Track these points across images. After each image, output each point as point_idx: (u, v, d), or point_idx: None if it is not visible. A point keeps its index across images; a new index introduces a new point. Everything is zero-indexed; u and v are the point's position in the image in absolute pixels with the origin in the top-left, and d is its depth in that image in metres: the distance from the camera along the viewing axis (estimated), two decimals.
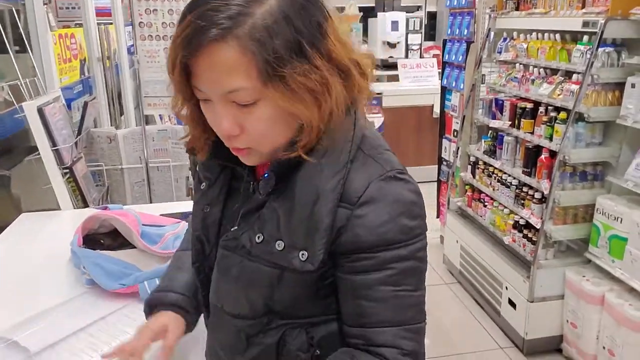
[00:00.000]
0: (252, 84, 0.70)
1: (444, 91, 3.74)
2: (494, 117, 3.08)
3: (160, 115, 2.88)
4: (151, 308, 1.03)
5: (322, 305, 0.85)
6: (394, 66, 6.04)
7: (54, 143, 1.89)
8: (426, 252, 0.83)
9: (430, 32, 7.91)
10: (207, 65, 0.70)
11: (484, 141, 3.19)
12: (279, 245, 0.79)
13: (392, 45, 6.82)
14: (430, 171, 4.41)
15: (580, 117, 2.44)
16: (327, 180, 0.76)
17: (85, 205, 2.07)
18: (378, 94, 4.90)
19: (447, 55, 3.62)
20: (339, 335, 0.85)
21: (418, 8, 7.89)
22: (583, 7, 2.51)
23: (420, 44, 7.01)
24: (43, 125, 1.86)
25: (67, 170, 2.02)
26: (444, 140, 3.85)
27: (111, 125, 2.67)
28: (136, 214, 1.43)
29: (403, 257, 0.78)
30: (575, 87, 2.43)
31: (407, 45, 6.93)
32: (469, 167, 3.35)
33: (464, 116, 3.35)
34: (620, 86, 2.36)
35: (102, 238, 1.45)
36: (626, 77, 2.32)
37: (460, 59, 3.43)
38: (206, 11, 0.68)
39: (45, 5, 2.50)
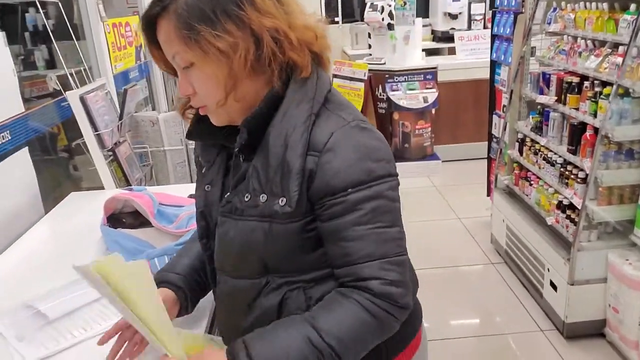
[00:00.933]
0: (182, 48, 0.87)
1: (494, 65, 3.60)
2: (541, 92, 2.95)
3: None
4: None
5: (311, 259, 0.94)
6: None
7: (95, 128, 2.06)
8: (397, 192, 0.93)
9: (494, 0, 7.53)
10: (160, 35, 0.90)
11: (532, 117, 3.07)
12: (263, 197, 0.90)
13: (453, 17, 6.57)
14: (484, 148, 4.29)
15: (626, 92, 2.30)
16: (293, 131, 0.88)
17: (128, 184, 2.24)
18: (432, 68, 4.79)
19: (495, 28, 3.48)
20: None
21: None
22: None
23: (484, 14, 6.71)
24: (85, 112, 2.03)
25: (111, 153, 2.19)
26: (494, 116, 3.73)
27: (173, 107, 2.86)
28: (152, 195, 1.56)
29: (370, 197, 0.88)
30: (620, 60, 2.28)
31: (469, 15, 6.66)
32: (517, 144, 3.24)
33: (512, 91, 3.23)
34: None
35: (124, 217, 1.59)
36: None
37: (508, 31, 3.29)
38: None
39: None
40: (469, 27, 6.58)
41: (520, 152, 3.19)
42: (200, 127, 1.00)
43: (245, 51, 0.86)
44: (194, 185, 2.28)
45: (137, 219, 1.59)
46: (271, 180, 0.89)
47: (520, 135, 3.21)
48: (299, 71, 0.91)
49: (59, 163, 2.66)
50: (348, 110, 0.94)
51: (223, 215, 0.97)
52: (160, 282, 1.12)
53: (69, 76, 2.14)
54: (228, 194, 0.98)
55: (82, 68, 2.29)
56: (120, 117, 2.24)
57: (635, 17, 2.22)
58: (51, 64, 2.87)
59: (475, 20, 6.71)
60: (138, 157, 2.46)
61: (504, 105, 3.50)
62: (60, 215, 1.95)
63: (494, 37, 3.55)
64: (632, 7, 2.29)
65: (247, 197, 0.92)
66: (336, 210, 0.88)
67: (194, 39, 0.85)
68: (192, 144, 2.50)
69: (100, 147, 2.08)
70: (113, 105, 2.29)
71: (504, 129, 3.37)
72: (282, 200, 0.89)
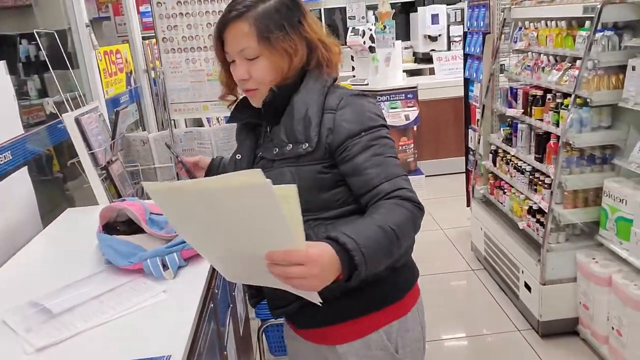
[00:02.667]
0: (254, 45, 1.19)
1: (467, 82, 3.80)
2: (510, 106, 3.14)
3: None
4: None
5: (328, 197, 1.21)
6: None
7: (90, 147, 2.20)
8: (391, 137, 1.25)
9: None
10: (231, 34, 1.21)
11: (502, 130, 3.25)
12: (289, 147, 1.20)
13: (432, 39, 6.83)
14: (462, 162, 4.46)
15: (585, 102, 2.48)
16: (312, 98, 1.21)
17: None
18: (412, 87, 4.99)
19: (467, 47, 3.69)
20: None
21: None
22: None
23: (463, 36, 6.98)
24: (80, 133, 2.17)
25: (104, 171, 2.32)
26: (469, 130, 3.91)
27: (162, 129, 3.00)
28: (145, 204, 1.69)
29: (379, 136, 1.19)
30: (577, 72, 2.47)
31: (449, 37, 6.92)
32: (491, 155, 3.42)
33: (484, 106, 3.42)
34: (623, 69, 2.38)
35: (119, 225, 1.72)
36: (628, 60, 2.34)
37: (478, 50, 3.50)
38: (233, 3, 1.22)
39: (88, 27, 2.84)
40: (449, 48, 6.83)
41: (494, 162, 3.36)
42: (238, 113, 1.36)
43: (302, 53, 1.23)
44: None
45: (130, 227, 1.71)
46: (295, 131, 1.19)
47: (493, 147, 3.39)
48: (317, 64, 1.25)
49: (55, 183, 2.78)
50: (347, 88, 1.29)
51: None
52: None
53: (65, 101, 2.28)
54: (260, 152, 1.27)
55: (76, 93, 2.44)
56: (113, 137, 2.37)
57: (589, 33, 2.42)
58: (43, 92, 3.02)
59: (455, 41, 6.97)
60: (130, 175, 2.59)
61: (478, 120, 3.69)
62: (58, 229, 2.07)
63: (466, 56, 3.75)
64: (587, 23, 2.49)
65: (275, 150, 1.22)
66: (356, 150, 1.16)
67: (267, 39, 1.18)
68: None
69: (94, 165, 2.21)
70: (106, 127, 2.43)
71: (479, 141, 3.55)
72: (304, 145, 1.17)
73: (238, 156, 1.34)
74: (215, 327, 1.61)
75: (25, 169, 2.08)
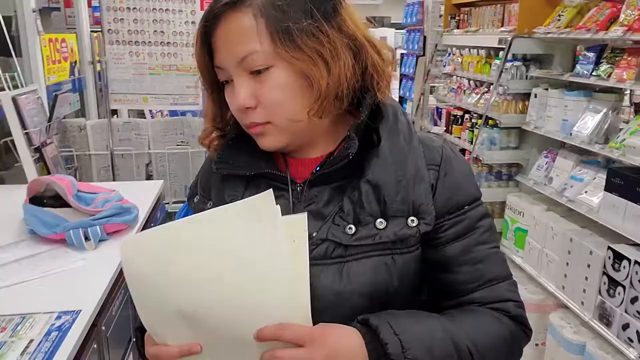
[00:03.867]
0: (264, 47, 0.71)
1: (402, 101, 4.06)
2: (435, 124, 3.40)
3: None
4: None
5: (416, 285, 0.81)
6: None
7: (25, 127, 2.26)
8: None
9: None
10: (224, 34, 0.73)
11: None
12: (381, 223, 0.74)
13: None
14: None
15: (496, 124, 2.76)
16: (408, 140, 0.78)
17: None
18: None
19: (403, 68, 3.96)
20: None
21: None
22: (502, 25, 2.84)
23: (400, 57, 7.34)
24: (16, 112, 2.23)
25: (38, 153, 2.38)
26: None
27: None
28: (73, 180, 1.78)
29: (485, 214, 0.81)
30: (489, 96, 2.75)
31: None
32: None
33: (413, 122, 3.67)
34: (528, 96, 2.67)
35: (46, 199, 1.80)
36: (532, 88, 2.63)
37: (411, 72, 3.77)
38: None
39: (34, 12, 2.89)
40: (394, 70, 7.17)
41: None
42: (231, 155, 0.83)
43: (346, 60, 0.72)
44: (115, 183, 2.48)
45: (57, 201, 1.79)
46: (392, 198, 0.74)
47: None
48: (372, 81, 0.78)
49: None
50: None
51: (314, 265, 0.73)
52: None
53: (3, 81, 2.33)
54: (315, 233, 0.76)
55: (15, 75, 2.48)
56: (50, 120, 2.44)
57: (501, 62, 2.70)
58: None
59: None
60: (64, 160, 2.64)
61: None
62: None
63: (402, 76, 4.02)
64: (501, 53, 2.77)
65: (350, 229, 0.74)
66: (460, 229, 0.78)
67: (287, 35, 0.71)
68: (118, 150, 2.72)
69: (27, 144, 2.27)
70: (43, 110, 2.49)
71: None
72: (411, 221, 0.74)
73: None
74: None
75: None
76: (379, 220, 0.74)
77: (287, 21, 0.70)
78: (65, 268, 1.49)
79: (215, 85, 0.81)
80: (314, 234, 0.75)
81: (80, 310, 1.26)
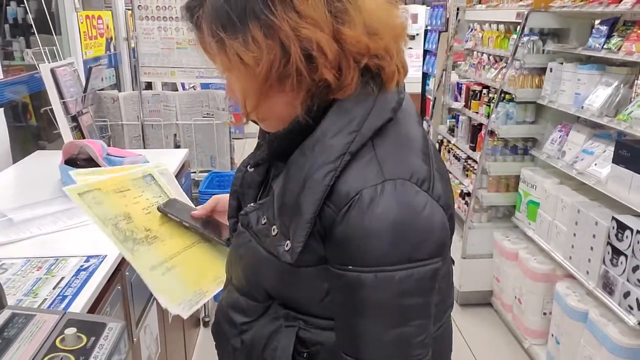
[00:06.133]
0: (213, 52, 0.74)
1: (425, 76, 4.10)
2: (455, 100, 3.44)
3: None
4: None
5: (322, 305, 0.79)
6: None
7: (62, 96, 2.44)
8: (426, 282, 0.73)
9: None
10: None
11: (448, 121, 3.56)
12: (274, 230, 0.76)
13: (411, 37, 7.14)
14: None
15: (512, 98, 2.79)
16: (317, 168, 0.71)
17: None
18: None
19: (427, 44, 3.98)
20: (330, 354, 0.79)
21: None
22: (520, 0, 2.85)
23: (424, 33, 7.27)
24: (54, 82, 2.41)
25: (75, 122, 2.57)
26: (424, 122, 4.22)
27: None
28: (104, 144, 1.95)
29: (380, 287, 0.70)
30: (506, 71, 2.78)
31: (425, 36, 7.23)
32: (437, 145, 3.72)
33: (435, 98, 3.72)
34: (545, 71, 2.69)
35: (79, 161, 1.97)
36: (548, 62, 2.65)
37: (434, 47, 3.80)
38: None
39: None
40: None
41: (440, 152, 3.66)
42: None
43: (269, 64, 0.69)
44: (144, 150, 2.66)
45: (89, 164, 1.97)
46: (282, 216, 0.75)
47: (440, 137, 3.70)
48: (339, 92, 0.72)
49: (28, 130, 3.03)
50: (401, 156, 0.73)
51: (241, 224, 0.85)
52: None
53: (43, 54, 2.52)
54: (252, 204, 0.84)
55: (54, 49, 2.67)
56: (85, 91, 2.62)
57: (517, 36, 2.72)
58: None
59: None
60: (98, 129, 2.83)
61: (432, 112, 4.00)
62: (26, 164, 2.32)
63: (425, 52, 4.05)
64: (518, 28, 2.79)
65: (263, 220, 0.79)
66: (342, 285, 0.73)
67: (220, 43, 0.71)
68: (148, 120, 2.89)
69: (65, 113, 2.45)
70: (79, 82, 2.67)
71: (428, 132, 3.85)
72: (287, 245, 0.73)
73: (250, 168, 0.91)
74: None
75: (1, 110, 2.31)
76: (274, 227, 0.77)
77: (218, 30, 0.71)
78: None
79: None
80: (252, 205, 0.85)
81: (106, 255, 1.42)
